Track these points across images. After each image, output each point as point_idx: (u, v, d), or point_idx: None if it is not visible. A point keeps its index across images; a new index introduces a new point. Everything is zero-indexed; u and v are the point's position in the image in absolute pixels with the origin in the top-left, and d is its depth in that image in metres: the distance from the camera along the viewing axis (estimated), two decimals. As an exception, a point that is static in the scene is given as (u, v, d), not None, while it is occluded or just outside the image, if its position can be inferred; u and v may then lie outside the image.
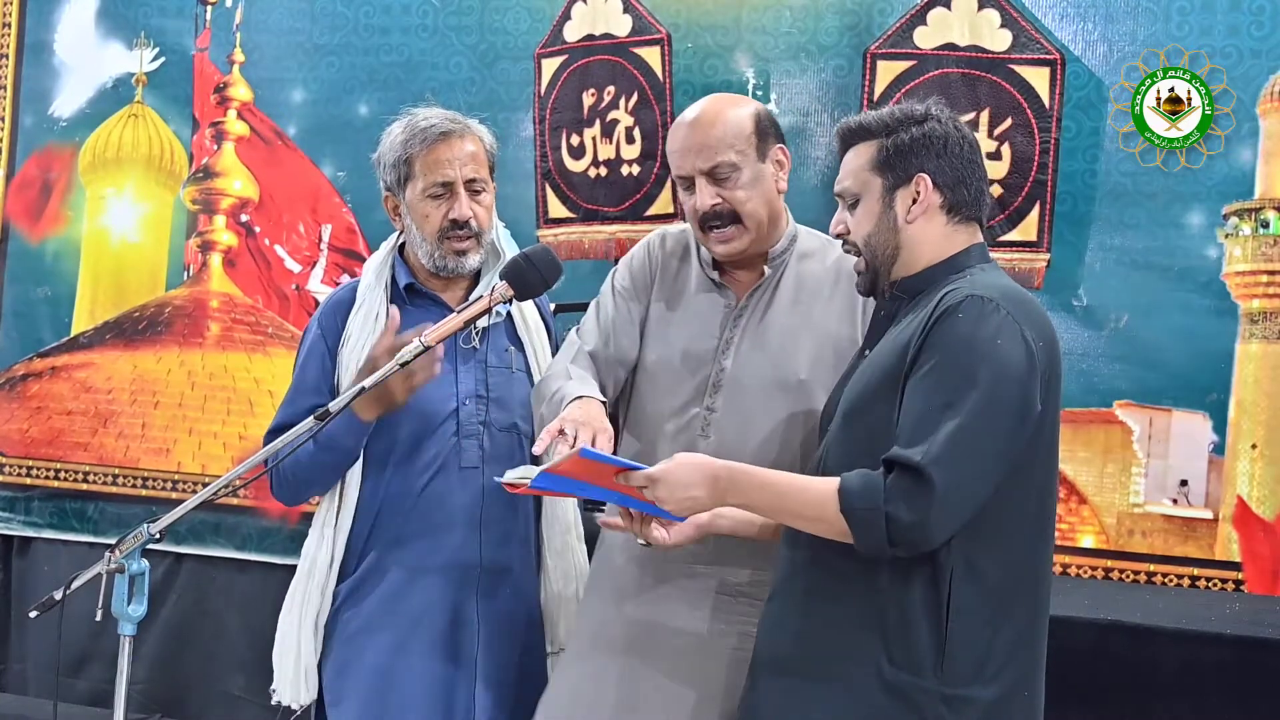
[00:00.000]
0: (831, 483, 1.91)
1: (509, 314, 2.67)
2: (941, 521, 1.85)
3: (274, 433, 2.57)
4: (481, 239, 2.61)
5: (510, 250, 2.66)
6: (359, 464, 2.59)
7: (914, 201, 2.02)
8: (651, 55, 3.89)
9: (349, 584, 2.60)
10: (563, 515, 2.69)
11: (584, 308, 3.78)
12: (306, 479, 2.59)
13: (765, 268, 2.47)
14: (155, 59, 4.57)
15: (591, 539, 2.68)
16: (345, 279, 4.34)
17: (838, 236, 2.11)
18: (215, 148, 4.50)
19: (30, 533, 4.62)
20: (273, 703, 2.63)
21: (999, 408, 1.86)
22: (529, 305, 2.71)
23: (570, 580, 2.68)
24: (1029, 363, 1.89)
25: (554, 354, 2.66)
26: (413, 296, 2.64)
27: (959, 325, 1.89)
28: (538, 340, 2.70)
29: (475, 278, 2.68)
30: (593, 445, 2.13)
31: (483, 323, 2.58)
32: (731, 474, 1.99)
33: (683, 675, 2.37)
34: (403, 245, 2.71)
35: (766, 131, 2.45)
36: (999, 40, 3.60)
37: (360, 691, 2.56)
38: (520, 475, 2.08)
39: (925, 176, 2.02)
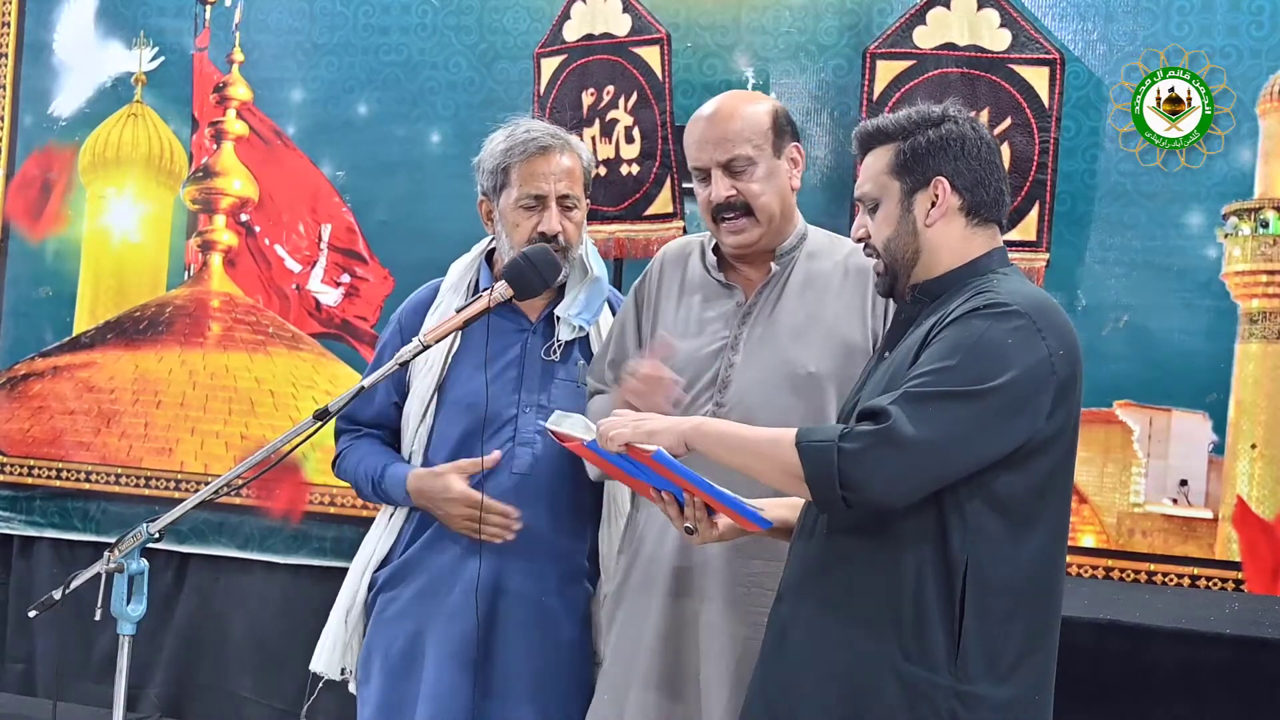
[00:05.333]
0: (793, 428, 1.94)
1: (588, 333, 2.70)
2: (893, 465, 1.83)
3: (342, 421, 2.72)
4: (569, 253, 2.64)
5: (598, 267, 2.72)
6: (418, 459, 2.69)
7: (933, 204, 2.02)
8: (651, 55, 3.88)
9: (389, 570, 2.68)
10: (620, 526, 2.69)
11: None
12: (363, 498, 2.81)
13: (773, 264, 2.50)
14: (154, 58, 4.56)
15: None
16: (345, 278, 4.35)
17: (859, 240, 2.12)
18: (215, 147, 4.50)
19: (32, 532, 4.62)
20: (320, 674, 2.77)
21: (992, 400, 1.85)
22: (608, 323, 2.73)
23: None
24: (1040, 372, 1.88)
25: None
26: None
27: (974, 320, 1.90)
28: None
29: (560, 291, 2.70)
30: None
31: (565, 335, 2.65)
32: (695, 420, 2.06)
33: (696, 664, 2.40)
34: (491, 251, 2.74)
35: (783, 129, 2.50)
36: (998, 40, 3.59)
37: (384, 673, 2.64)
38: (572, 427, 2.08)
39: (943, 179, 2.01)
